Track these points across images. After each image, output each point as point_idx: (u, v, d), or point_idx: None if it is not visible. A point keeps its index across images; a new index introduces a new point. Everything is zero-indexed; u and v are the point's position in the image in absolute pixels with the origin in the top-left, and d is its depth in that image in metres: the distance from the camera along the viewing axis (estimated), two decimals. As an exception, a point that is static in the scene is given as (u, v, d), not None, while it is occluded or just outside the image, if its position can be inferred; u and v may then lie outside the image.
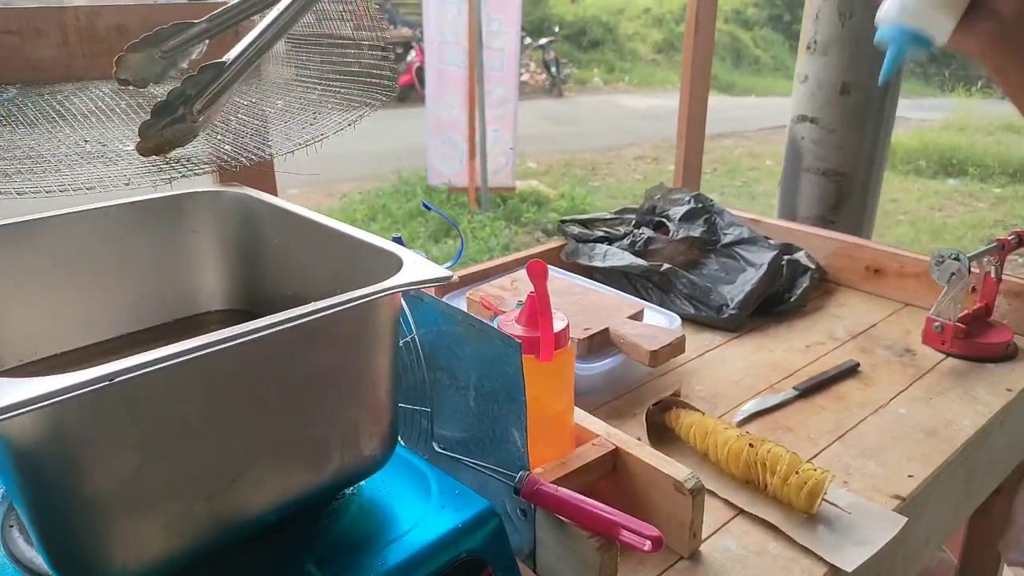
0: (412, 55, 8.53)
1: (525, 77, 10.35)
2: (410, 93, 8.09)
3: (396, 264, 0.63)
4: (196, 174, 0.62)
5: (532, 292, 0.76)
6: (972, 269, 1.13)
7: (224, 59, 0.60)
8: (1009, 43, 0.65)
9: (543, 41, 10.11)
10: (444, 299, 1.22)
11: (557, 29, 11.44)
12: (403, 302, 0.77)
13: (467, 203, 5.07)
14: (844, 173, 1.84)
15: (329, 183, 5.71)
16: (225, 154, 0.64)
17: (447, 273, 0.62)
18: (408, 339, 0.76)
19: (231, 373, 0.53)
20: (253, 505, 0.58)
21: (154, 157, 0.61)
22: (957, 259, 1.11)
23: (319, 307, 0.54)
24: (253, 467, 0.56)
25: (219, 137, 0.69)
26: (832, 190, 1.85)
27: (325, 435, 0.60)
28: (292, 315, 0.52)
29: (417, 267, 0.62)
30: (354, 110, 0.67)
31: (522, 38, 10.36)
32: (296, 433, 0.58)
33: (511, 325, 0.78)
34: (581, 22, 11.93)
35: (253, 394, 0.54)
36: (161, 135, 0.59)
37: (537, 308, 0.74)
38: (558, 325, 0.77)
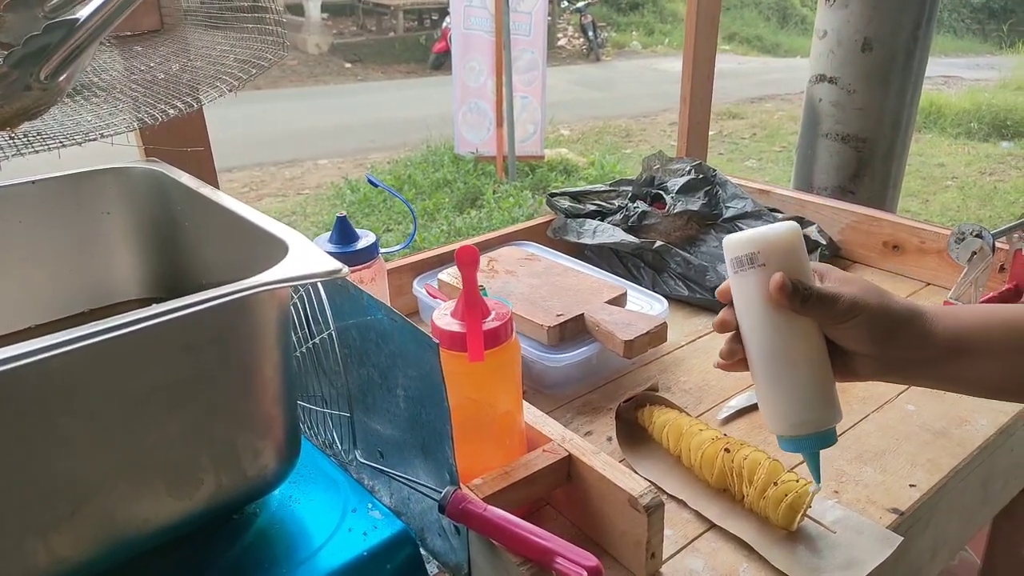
0: (447, 21, 8.33)
1: (562, 42, 10.10)
2: (445, 60, 7.91)
3: (283, 253, 0.55)
4: (36, 151, 0.54)
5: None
6: (999, 246, 1.01)
7: (76, 16, 0.51)
8: (890, 372, 0.63)
9: (580, 4, 9.81)
10: (416, 280, 1.14)
11: (595, -9, 11.10)
12: (322, 292, 0.68)
13: (494, 172, 4.94)
14: (865, 139, 1.67)
15: (360, 153, 5.64)
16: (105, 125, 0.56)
17: (335, 266, 0.53)
18: (325, 335, 0.67)
19: (47, 391, 0.45)
20: (108, 536, 0.50)
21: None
22: (980, 236, 0.98)
23: (155, 312, 0.45)
24: (98, 495, 0.48)
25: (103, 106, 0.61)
26: (852, 157, 1.69)
27: (190, 455, 0.52)
28: (116, 323, 0.44)
29: (301, 260, 0.53)
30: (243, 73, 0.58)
31: (558, 1, 10.13)
32: (150, 455, 0.50)
33: (444, 318, 0.68)
34: (620, -17, 11.56)
35: (85, 413, 0.47)
36: (2, 107, 0.51)
37: (465, 302, 0.64)
38: (496, 319, 0.68)
